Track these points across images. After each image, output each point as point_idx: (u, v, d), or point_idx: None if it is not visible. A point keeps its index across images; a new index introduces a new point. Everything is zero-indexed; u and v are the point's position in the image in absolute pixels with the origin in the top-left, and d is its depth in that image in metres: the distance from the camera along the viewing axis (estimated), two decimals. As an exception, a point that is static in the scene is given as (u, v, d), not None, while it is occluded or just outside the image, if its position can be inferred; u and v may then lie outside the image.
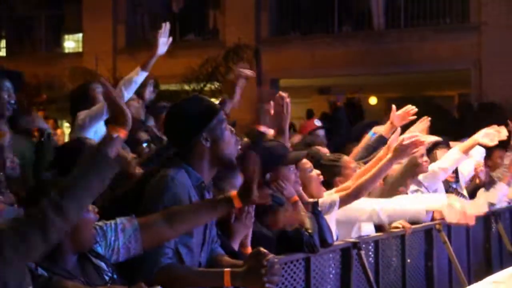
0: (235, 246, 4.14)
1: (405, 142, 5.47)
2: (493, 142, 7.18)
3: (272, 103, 5.52)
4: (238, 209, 3.89)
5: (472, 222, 6.20)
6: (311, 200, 5.12)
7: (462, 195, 7.79)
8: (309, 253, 4.76)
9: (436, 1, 17.70)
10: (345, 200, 5.44)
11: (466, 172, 8.00)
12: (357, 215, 5.67)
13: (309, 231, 4.71)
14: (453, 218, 6.16)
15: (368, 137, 6.76)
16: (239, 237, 4.18)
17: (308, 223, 4.74)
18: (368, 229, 5.93)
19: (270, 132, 5.55)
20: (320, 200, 5.20)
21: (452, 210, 6.07)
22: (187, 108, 3.79)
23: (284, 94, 5.48)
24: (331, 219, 5.36)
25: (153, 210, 3.53)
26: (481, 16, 16.97)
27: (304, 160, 5.36)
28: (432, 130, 7.58)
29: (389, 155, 5.50)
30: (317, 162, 5.76)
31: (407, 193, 6.51)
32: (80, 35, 21.45)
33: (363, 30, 18.42)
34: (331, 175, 5.76)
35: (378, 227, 6.05)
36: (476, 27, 16.96)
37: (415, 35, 17.47)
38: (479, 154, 7.94)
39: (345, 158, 6.05)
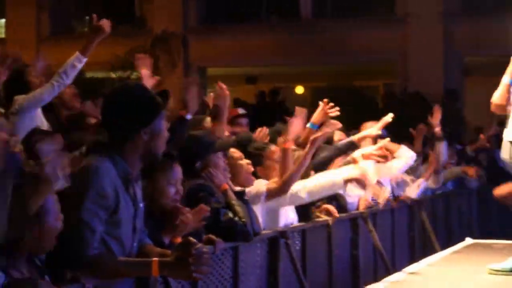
0: (165, 239, 4.12)
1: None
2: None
3: (212, 94, 5.58)
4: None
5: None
6: (238, 188, 5.13)
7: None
8: (243, 242, 4.77)
9: (363, -8, 17.91)
10: (273, 193, 5.47)
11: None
12: (280, 200, 5.68)
13: (243, 220, 4.71)
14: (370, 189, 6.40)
15: (309, 129, 6.79)
16: (171, 235, 4.17)
17: (241, 212, 4.74)
18: (290, 218, 5.93)
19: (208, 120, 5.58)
20: (247, 190, 5.21)
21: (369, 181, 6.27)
22: (132, 100, 3.67)
23: (224, 86, 5.52)
24: (258, 208, 5.37)
25: (79, 204, 3.46)
26: (406, 7, 17.21)
27: (234, 149, 5.37)
28: (357, 119, 7.70)
29: (307, 148, 5.64)
30: (244, 148, 5.77)
31: None
32: (2, 21, 21.00)
33: (290, 19, 18.49)
34: (253, 163, 5.77)
35: (302, 217, 6.11)
36: (401, 18, 17.19)
37: (341, 25, 17.60)
38: (409, 157, 8.15)
39: (271, 148, 6.01)
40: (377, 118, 7.16)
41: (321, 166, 6.53)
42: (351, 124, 7.95)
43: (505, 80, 5.09)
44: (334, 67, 18.65)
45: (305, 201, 5.85)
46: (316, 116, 6.81)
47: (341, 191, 6.35)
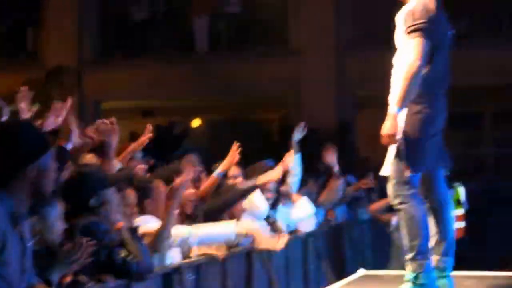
0: (54, 278, 4.05)
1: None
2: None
3: (96, 128, 5.53)
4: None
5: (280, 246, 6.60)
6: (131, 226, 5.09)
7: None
8: (137, 281, 4.74)
9: (257, 26, 18.11)
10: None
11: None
12: (167, 243, 5.50)
13: (137, 259, 4.67)
14: (263, 243, 6.44)
15: (214, 178, 6.86)
16: (60, 273, 4.11)
17: (135, 250, 4.70)
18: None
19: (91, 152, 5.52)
20: (140, 227, 5.17)
21: (261, 236, 6.34)
22: (17, 137, 3.64)
23: (112, 120, 5.50)
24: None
25: None
26: (300, 40, 17.49)
27: None
28: (253, 153, 7.78)
29: (169, 199, 5.45)
30: (130, 182, 5.69)
31: None
32: None
33: (186, 53, 18.53)
34: (142, 196, 5.71)
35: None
36: (295, 51, 17.45)
37: (237, 59, 17.73)
38: (306, 211, 8.31)
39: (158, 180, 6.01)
40: (272, 152, 7.27)
41: (224, 207, 6.62)
42: (247, 158, 7.99)
43: (393, 109, 5.20)
44: (231, 100, 18.76)
45: (192, 246, 5.81)
46: (224, 164, 6.95)
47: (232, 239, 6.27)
